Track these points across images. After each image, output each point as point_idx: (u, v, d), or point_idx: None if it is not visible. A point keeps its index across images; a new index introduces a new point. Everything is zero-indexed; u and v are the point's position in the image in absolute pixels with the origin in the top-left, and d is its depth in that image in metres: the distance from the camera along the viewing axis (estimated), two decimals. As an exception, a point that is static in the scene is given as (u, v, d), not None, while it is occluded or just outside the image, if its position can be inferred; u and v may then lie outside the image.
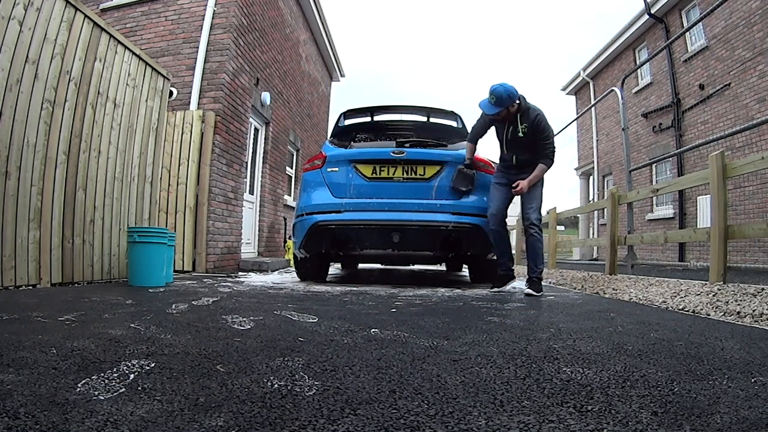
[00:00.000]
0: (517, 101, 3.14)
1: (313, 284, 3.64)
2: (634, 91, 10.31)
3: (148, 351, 1.18)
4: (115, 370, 1.00)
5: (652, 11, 9.21)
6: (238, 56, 5.35)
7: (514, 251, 10.04)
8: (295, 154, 8.44)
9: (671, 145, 8.84)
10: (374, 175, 3.54)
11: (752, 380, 1.00)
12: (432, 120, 4.42)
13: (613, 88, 5.33)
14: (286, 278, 4.36)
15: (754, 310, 2.03)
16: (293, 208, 7.26)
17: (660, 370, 1.08)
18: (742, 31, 7.24)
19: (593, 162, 12.54)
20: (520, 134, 3.20)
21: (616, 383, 0.98)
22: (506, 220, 3.41)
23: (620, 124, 5.99)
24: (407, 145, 3.67)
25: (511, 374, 1.05)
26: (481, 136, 3.53)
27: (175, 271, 4.11)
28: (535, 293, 3.03)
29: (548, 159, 3.24)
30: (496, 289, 3.32)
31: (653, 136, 9.62)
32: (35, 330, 1.40)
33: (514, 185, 3.28)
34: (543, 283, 4.29)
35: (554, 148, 3.26)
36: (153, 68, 3.98)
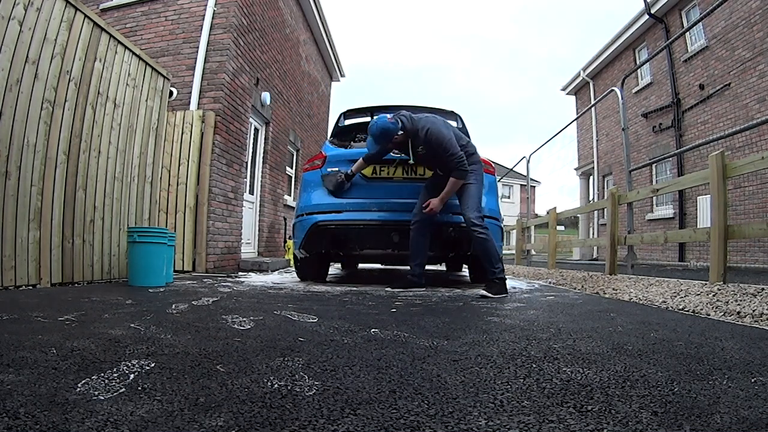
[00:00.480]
0: (400, 132, 3.05)
1: (313, 284, 3.64)
2: (634, 91, 10.31)
3: (148, 351, 1.18)
4: (115, 370, 1.00)
5: (652, 11, 9.22)
6: (238, 56, 5.35)
7: (514, 251, 10.04)
8: (295, 154, 8.44)
9: (671, 145, 8.84)
10: (374, 175, 3.54)
11: (752, 380, 1.00)
12: None
13: (613, 88, 5.33)
14: (286, 278, 4.36)
15: (754, 310, 2.03)
16: (293, 208, 7.26)
17: (660, 370, 1.08)
18: (742, 31, 7.24)
19: (593, 162, 12.54)
20: (412, 160, 3.20)
21: (616, 383, 0.98)
22: (428, 225, 3.24)
23: (620, 124, 5.99)
24: None
25: (511, 374, 1.05)
26: (377, 159, 3.40)
27: (175, 271, 4.11)
28: (491, 295, 2.78)
29: (458, 171, 3.04)
30: (389, 290, 3.14)
31: (653, 136, 9.63)
32: (35, 330, 1.40)
33: (425, 204, 3.13)
34: (543, 283, 4.29)
35: (459, 157, 3.03)
36: (153, 68, 3.98)
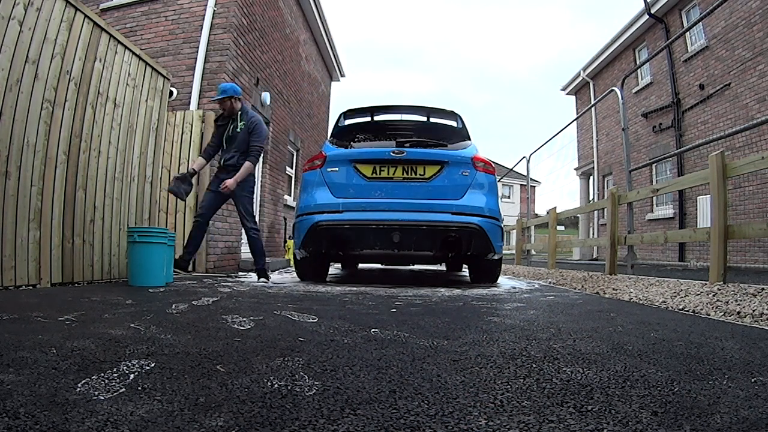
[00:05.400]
0: (239, 98, 3.69)
1: (313, 284, 3.64)
2: (634, 91, 10.30)
3: (148, 351, 1.18)
4: (115, 370, 1.00)
5: (652, 11, 9.21)
6: (238, 56, 5.35)
7: (514, 251, 10.05)
8: (295, 154, 8.44)
9: (671, 145, 8.84)
10: (374, 175, 3.54)
11: (752, 380, 1.00)
12: (432, 120, 4.42)
13: (613, 88, 5.33)
14: (286, 278, 4.36)
15: (754, 310, 2.03)
16: (293, 208, 7.26)
17: (660, 370, 1.08)
18: (742, 31, 7.23)
19: (593, 162, 12.54)
20: (238, 130, 3.70)
21: (616, 383, 0.98)
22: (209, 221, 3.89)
23: (620, 124, 5.99)
24: (407, 145, 3.67)
25: (511, 374, 1.04)
26: (216, 152, 3.90)
27: (175, 271, 4.10)
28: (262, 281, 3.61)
29: (253, 157, 3.69)
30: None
31: (653, 136, 9.62)
32: (35, 330, 1.40)
33: (222, 185, 3.61)
34: (543, 283, 4.31)
35: (261, 149, 3.74)
36: (153, 68, 3.98)
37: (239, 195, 3.72)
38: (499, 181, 4.52)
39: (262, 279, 3.81)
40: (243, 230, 3.93)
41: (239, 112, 3.73)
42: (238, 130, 3.70)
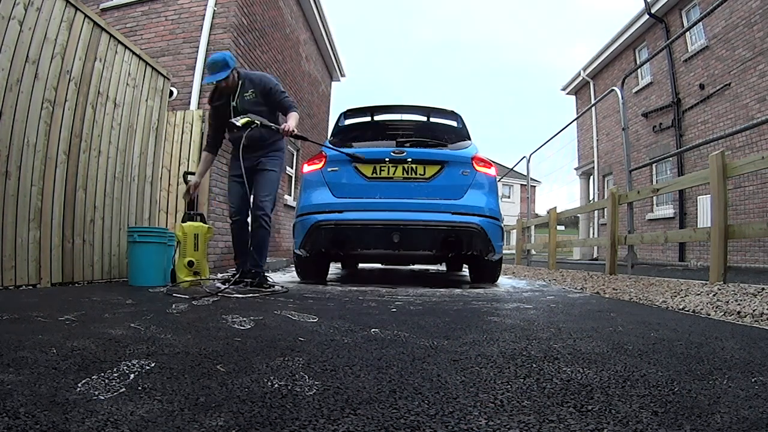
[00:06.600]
0: (236, 67, 3.01)
1: (313, 284, 3.64)
2: (634, 90, 10.30)
3: (148, 351, 1.18)
4: (115, 369, 1.00)
5: (652, 11, 9.21)
6: (238, 56, 5.35)
7: (514, 251, 10.05)
8: (295, 154, 8.43)
9: (671, 144, 8.84)
10: (374, 175, 3.54)
11: (752, 380, 1.00)
12: (432, 120, 4.42)
13: (613, 87, 5.33)
14: (286, 278, 4.35)
15: (754, 310, 2.03)
16: (293, 208, 7.25)
17: (660, 370, 1.08)
18: (742, 31, 7.23)
19: (593, 162, 12.54)
20: (235, 103, 3.00)
21: (616, 383, 0.98)
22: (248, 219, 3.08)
23: (620, 124, 5.99)
24: (407, 144, 3.67)
25: (512, 374, 1.04)
26: (220, 142, 3.23)
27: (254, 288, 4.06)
28: (264, 289, 2.88)
29: (293, 107, 3.05)
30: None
31: (653, 136, 9.62)
32: (35, 330, 1.40)
33: (282, 128, 2.94)
34: (543, 283, 4.30)
35: (290, 96, 3.10)
36: (153, 68, 3.98)
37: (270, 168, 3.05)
38: (499, 181, 4.52)
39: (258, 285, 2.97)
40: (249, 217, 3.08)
41: (240, 82, 3.05)
42: (249, 99, 3.03)
